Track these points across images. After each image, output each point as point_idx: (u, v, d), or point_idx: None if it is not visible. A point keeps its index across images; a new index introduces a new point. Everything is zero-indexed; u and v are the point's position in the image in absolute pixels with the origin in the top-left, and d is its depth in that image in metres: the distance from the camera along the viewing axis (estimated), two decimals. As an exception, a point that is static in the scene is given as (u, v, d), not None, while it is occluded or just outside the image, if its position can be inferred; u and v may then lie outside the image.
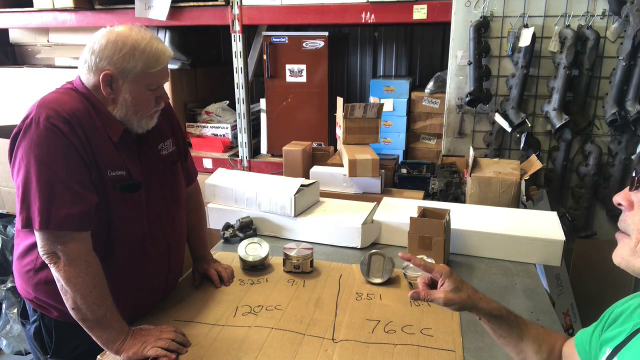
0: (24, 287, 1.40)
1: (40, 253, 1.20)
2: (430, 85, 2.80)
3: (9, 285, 2.90)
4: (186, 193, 1.61)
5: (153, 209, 1.38)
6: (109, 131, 1.28)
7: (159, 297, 1.48)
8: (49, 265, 1.20)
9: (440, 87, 2.75)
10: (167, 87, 3.02)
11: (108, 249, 1.29)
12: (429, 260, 1.52)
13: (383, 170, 2.24)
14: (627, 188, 0.73)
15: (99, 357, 1.23)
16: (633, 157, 2.36)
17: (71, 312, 1.21)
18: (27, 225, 1.18)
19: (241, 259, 1.65)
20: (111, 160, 1.27)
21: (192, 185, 1.65)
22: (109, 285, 1.26)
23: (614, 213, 2.48)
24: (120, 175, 1.28)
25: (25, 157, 1.18)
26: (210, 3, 2.79)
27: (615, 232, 0.77)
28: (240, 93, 2.97)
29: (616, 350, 0.78)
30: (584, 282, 2.62)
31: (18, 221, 1.20)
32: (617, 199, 0.72)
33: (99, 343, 1.22)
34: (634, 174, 0.72)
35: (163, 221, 1.41)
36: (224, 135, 3.19)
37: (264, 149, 3.18)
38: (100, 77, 1.24)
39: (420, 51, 3.47)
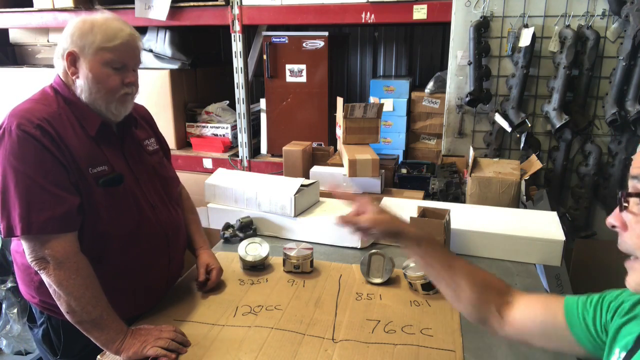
0: (27, 292, 1.40)
1: (29, 260, 1.21)
2: (430, 85, 2.80)
3: (9, 285, 2.90)
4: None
5: (145, 200, 1.38)
6: (86, 125, 1.29)
7: (163, 290, 1.48)
8: (39, 272, 1.21)
9: (440, 87, 2.75)
10: (167, 87, 3.06)
11: (103, 245, 1.30)
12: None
13: (383, 170, 2.24)
14: (617, 209, 0.72)
15: (98, 357, 1.23)
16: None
17: (67, 316, 1.22)
18: (9, 233, 1.18)
19: (241, 259, 1.65)
20: (91, 157, 1.27)
21: (180, 190, 1.67)
22: (110, 283, 1.26)
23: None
24: (102, 170, 1.29)
25: (0, 166, 1.19)
26: (210, 3, 2.79)
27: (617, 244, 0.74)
28: (240, 93, 2.97)
29: (629, 355, 0.77)
30: (584, 282, 2.62)
31: (2, 230, 1.21)
32: (611, 221, 0.72)
33: (98, 344, 1.22)
34: (619, 195, 0.71)
35: (157, 211, 1.41)
36: (224, 135, 3.19)
37: (264, 149, 3.18)
38: (65, 57, 1.28)
39: (420, 51, 3.48)
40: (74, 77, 1.29)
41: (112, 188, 1.30)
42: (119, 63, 1.30)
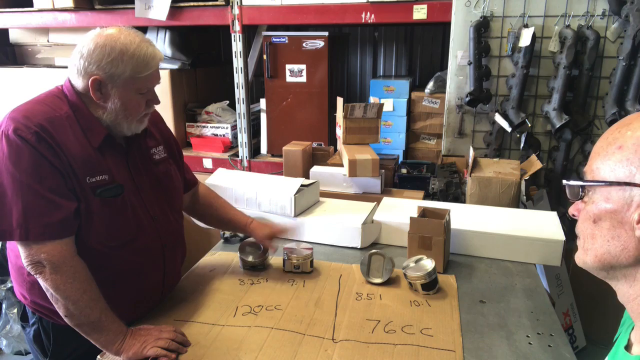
0: (19, 291, 1.40)
1: (25, 265, 1.20)
2: (430, 85, 2.80)
3: (9, 285, 2.90)
4: (196, 196, 1.66)
5: (145, 211, 1.37)
6: (90, 136, 1.27)
7: (157, 300, 1.47)
8: (35, 276, 1.20)
9: (440, 87, 2.75)
10: (167, 87, 3.06)
11: (97, 254, 1.28)
12: (429, 260, 1.52)
13: (383, 170, 2.24)
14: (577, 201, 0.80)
15: (98, 357, 1.23)
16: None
17: (65, 320, 1.21)
18: (5, 238, 1.18)
19: (241, 259, 1.65)
20: (91, 165, 1.25)
21: (198, 186, 1.68)
22: (106, 291, 1.25)
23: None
24: (102, 180, 1.26)
25: None
26: (210, 3, 2.79)
27: None
28: (240, 93, 2.97)
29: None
30: (584, 282, 2.61)
31: None
32: (571, 211, 0.81)
33: (98, 346, 1.22)
34: (579, 186, 0.79)
35: (157, 223, 1.40)
36: (224, 135, 3.19)
37: (264, 149, 3.18)
38: (89, 82, 1.23)
39: (420, 51, 3.47)
40: (98, 101, 1.26)
41: (110, 199, 1.28)
42: (147, 89, 1.30)
